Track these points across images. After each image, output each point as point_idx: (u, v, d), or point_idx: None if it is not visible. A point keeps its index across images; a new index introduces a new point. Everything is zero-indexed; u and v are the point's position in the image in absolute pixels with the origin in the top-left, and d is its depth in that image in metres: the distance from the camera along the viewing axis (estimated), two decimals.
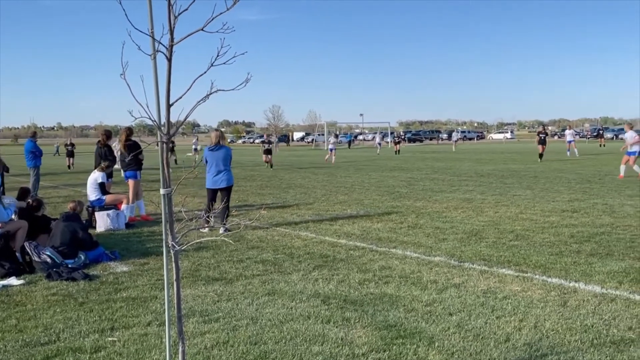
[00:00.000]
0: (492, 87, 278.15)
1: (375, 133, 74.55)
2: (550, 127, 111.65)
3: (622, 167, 18.55)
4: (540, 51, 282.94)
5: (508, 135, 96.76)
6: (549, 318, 4.97)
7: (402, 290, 5.91)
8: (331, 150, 33.41)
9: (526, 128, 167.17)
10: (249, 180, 20.37)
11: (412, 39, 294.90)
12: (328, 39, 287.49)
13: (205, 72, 2.65)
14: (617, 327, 4.74)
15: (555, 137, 76.51)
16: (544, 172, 21.86)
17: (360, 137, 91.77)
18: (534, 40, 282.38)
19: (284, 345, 4.45)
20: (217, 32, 2.59)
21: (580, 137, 39.01)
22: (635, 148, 18.26)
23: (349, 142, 73.43)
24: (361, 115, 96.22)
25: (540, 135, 29.90)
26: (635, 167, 17.96)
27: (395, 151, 44.08)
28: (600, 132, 63.87)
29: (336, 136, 36.42)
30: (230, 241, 8.56)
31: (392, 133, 69.37)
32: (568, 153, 33.82)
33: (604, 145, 52.24)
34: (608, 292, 5.75)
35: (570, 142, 34.62)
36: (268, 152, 28.90)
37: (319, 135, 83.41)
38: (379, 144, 50.58)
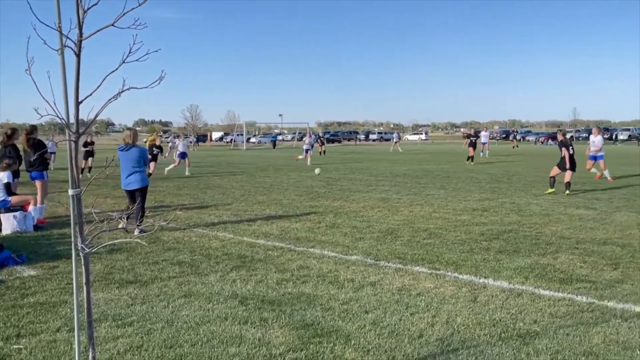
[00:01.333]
0: (408, 89, 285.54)
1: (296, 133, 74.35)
2: (462, 129, 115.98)
3: (606, 172, 18.43)
4: (452, 53, 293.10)
5: (422, 136, 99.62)
6: (460, 313, 5.16)
7: (319, 290, 5.95)
8: (306, 151, 31.06)
9: (440, 129, 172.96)
10: (166, 181, 19.91)
11: (330, 41, 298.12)
12: (249, 39, 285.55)
13: (116, 69, 2.57)
14: (523, 320, 4.98)
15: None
16: (456, 172, 22.67)
17: (280, 137, 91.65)
18: (446, 42, 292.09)
19: (200, 347, 4.38)
20: (128, 27, 2.51)
21: (490, 139, 40.83)
22: (602, 152, 18.57)
23: (274, 143, 72.86)
24: (280, 115, 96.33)
25: (471, 138, 30.76)
26: (606, 172, 18.21)
27: (320, 152, 43.57)
28: (514, 133, 67.01)
29: (311, 136, 33.77)
30: (145, 243, 8.33)
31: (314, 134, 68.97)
32: (482, 154, 35.22)
33: (517, 147, 54.90)
34: (515, 287, 6.03)
35: (484, 143, 36.09)
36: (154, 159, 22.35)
37: (237, 135, 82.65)
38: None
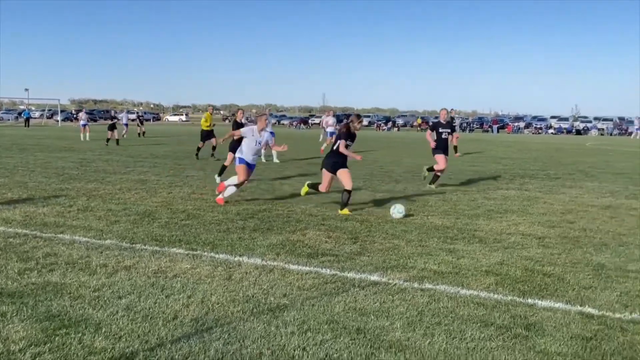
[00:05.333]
0: (170, 70, 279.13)
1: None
2: (222, 112, 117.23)
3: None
4: (211, 36, 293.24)
5: (183, 117, 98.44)
6: (215, 292, 5.26)
7: (68, 278, 5.58)
8: (331, 134, 24.18)
9: (200, 111, 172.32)
10: None
11: (83, 13, 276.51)
12: None
13: None
14: (274, 295, 5.26)
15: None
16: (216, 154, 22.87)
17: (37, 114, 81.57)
18: (204, 25, 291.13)
19: None
20: None
21: (249, 121, 42.06)
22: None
23: (27, 120, 60.85)
24: (26, 90, 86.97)
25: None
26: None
27: (139, 134, 38.16)
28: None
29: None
30: None
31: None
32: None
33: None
34: (267, 263, 6.33)
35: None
36: None
37: None
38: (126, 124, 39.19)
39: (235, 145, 14.09)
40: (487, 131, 71.53)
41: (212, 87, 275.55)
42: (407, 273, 6.07)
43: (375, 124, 75.62)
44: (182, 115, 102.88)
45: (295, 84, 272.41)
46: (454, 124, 15.50)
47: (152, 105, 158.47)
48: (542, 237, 7.91)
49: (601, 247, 7.36)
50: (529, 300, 5.23)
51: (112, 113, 32.78)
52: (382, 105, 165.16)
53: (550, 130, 69.09)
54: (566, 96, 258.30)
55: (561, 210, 10.28)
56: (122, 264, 6.11)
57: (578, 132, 67.54)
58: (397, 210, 9.23)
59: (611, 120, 72.39)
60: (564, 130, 68.49)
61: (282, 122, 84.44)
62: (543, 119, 78.20)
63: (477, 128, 75.74)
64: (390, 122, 75.40)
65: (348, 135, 9.82)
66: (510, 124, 75.76)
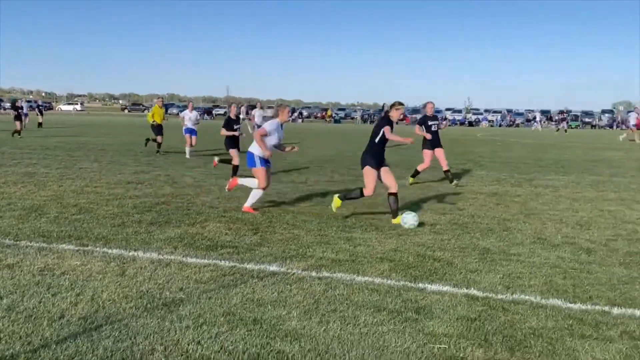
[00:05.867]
0: (64, 56, 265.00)
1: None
2: (121, 101, 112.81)
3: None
4: (117, 23, 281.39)
5: (78, 107, 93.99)
6: (106, 289, 5.07)
7: None
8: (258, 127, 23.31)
9: (97, 100, 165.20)
10: None
11: None
12: None
13: None
14: (170, 289, 5.15)
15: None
16: (112, 145, 22.03)
17: None
18: (116, 10, 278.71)
19: None
20: None
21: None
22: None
23: None
24: None
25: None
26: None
27: (39, 123, 35.07)
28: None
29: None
30: None
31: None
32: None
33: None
34: (164, 257, 6.18)
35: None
36: None
37: None
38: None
39: (232, 141, 13.45)
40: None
41: (110, 75, 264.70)
42: (305, 262, 6.14)
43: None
44: (77, 104, 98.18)
45: (199, 74, 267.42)
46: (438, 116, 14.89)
47: (43, 94, 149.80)
48: (434, 224, 8.25)
49: (487, 232, 7.77)
50: (420, 285, 5.44)
51: (18, 103, 30.47)
52: (287, 97, 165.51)
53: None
54: (460, 89, 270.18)
55: (452, 197, 10.76)
56: (4, 262, 5.75)
57: (470, 124, 70.93)
58: (407, 222, 8.03)
59: (500, 112, 76.48)
60: (458, 122, 71.63)
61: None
62: (439, 111, 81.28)
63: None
64: (296, 114, 75.78)
65: (389, 122, 8.46)
66: (409, 115, 78.20)
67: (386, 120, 8.41)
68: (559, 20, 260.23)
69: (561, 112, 67.35)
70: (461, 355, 3.94)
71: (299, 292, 5.15)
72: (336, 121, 73.48)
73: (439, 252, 6.70)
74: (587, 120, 70.91)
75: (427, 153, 13.05)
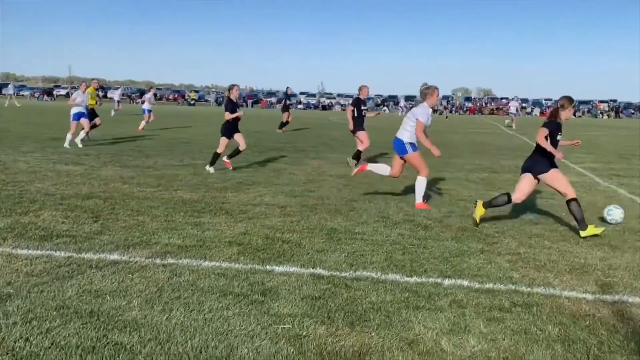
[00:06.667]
0: None
1: None
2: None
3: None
4: None
5: None
6: None
7: None
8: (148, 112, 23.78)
9: None
10: None
11: None
12: None
13: None
14: None
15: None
16: None
17: None
18: None
19: None
20: None
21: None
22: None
23: None
24: None
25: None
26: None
27: None
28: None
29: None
30: None
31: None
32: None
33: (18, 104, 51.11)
34: None
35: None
36: None
37: None
38: None
39: (234, 125, 11.95)
40: (242, 105, 73.20)
41: None
42: (150, 249, 5.92)
43: (129, 97, 72.58)
44: None
45: (36, 52, 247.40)
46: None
47: None
48: (285, 206, 8.33)
49: (335, 213, 8.00)
50: (268, 267, 5.46)
51: None
52: (137, 78, 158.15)
53: (300, 106, 73.18)
54: (313, 74, 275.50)
55: (303, 180, 10.95)
56: None
57: (324, 108, 72.69)
58: (612, 217, 7.62)
59: (352, 97, 79.25)
60: (312, 106, 73.13)
61: (21, 93, 76.01)
62: (293, 95, 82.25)
63: None
64: (149, 95, 72.93)
65: (557, 126, 7.15)
66: (263, 99, 78.42)
67: (554, 124, 7.12)
68: (394, 9, 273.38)
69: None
70: (304, 333, 4.01)
71: (142, 281, 4.95)
72: (190, 104, 71.73)
73: (287, 234, 6.77)
74: None
75: (362, 134, 13.27)
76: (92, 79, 19.66)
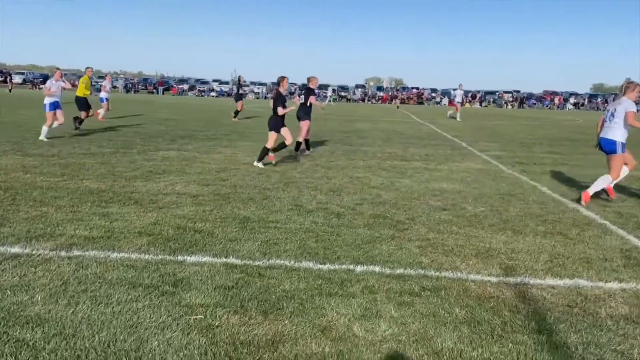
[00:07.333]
0: None
1: None
2: None
3: None
4: None
5: None
6: None
7: None
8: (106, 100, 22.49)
9: None
10: None
11: None
12: None
13: None
14: None
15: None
16: None
17: None
18: None
19: None
20: None
21: None
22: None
23: None
24: None
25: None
26: None
27: None
28: None
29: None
30: None
31: None
32: None
33: None
34: None
35: None
36: None
37: None
38: None
39: (283, 120, 11.48)
40: (153, 92, 71.14)
41: None
42: (54, 241, 5.67)
43: (31, 83, 68.88)
44: None
45: None
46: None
47: None
48: (197, 195, 8.21)
49: (248, 202, 7.96)
50: (179, 257, 5.37)
51: None
52: (40, 63, 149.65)
53: (213, 93, 72.02)
54: (226, 61, 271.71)
55: (216, 169, 10.81)
56: None
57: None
58: None
59: (265, 84, 78.65)
60: (225, 94, 72.10)
61: None
62: (206, 82, 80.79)
63: (142, 89, 74.60)
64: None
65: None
66: (175, 86, 76.51)
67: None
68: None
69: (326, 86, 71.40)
70: (217, 323, 3.99)
71: (45, 274, 4.75)
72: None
73: (200, 223, 6.67)
74: (342, 94, 76.28)
75: (305, 123, 13.54)
76: (87, 67, 18.43)
